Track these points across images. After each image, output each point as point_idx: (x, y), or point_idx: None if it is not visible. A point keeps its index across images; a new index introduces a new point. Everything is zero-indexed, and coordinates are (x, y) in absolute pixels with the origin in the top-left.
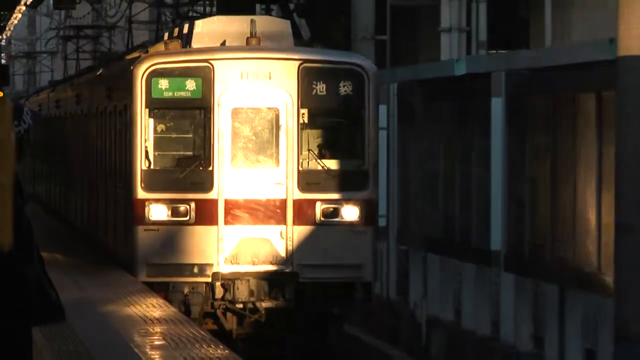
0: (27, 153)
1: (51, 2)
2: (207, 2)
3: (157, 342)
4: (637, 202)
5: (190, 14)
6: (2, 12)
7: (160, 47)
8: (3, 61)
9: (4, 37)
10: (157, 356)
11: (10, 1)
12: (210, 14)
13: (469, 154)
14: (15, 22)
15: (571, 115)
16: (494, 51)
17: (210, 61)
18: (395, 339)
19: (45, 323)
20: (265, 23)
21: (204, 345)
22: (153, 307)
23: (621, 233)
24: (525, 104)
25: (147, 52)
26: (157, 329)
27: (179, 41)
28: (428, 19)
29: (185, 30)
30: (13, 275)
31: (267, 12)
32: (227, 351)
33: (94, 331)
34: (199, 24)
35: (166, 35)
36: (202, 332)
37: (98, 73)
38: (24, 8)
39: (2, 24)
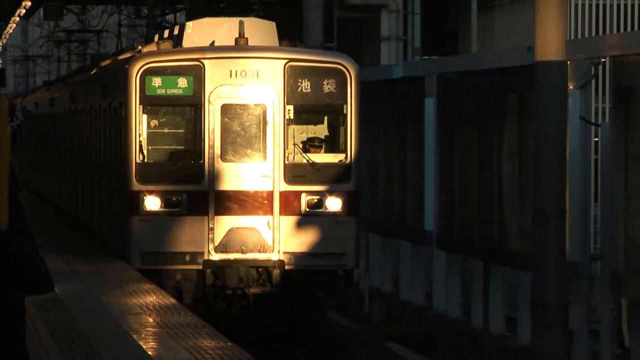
0: (19, 145)
1: (42, 13)
2: (177, 14)
3: (151, 329)
4: (551, 191)
5: (163, 24)
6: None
7: (153, 47)
8: (0, 65)
9: (1, 44)
10: (151, 341)
11: (6, 12)
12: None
13: (406, 147)
14: (10, 31)
15: (495, 113)
16: (427, 57)
17: (201, 60)
18: (344, 309)
19: (36, 293)
20: (252, 24)
21: (196, 331)
22: (147, 294)
23: (537, 217)
24: (454, 103)
25: (139, 52)
26: (151, 315)
27: (170, 41)
28: (370, 29)
29: (176, 31)
30: (9, 252)
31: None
32: (218, 337)
33: (92, 319)
34: (190, 25)
35: (156, 37)
36: (194, 318)
37: (92, 72)
38: (17, 19)
39: None
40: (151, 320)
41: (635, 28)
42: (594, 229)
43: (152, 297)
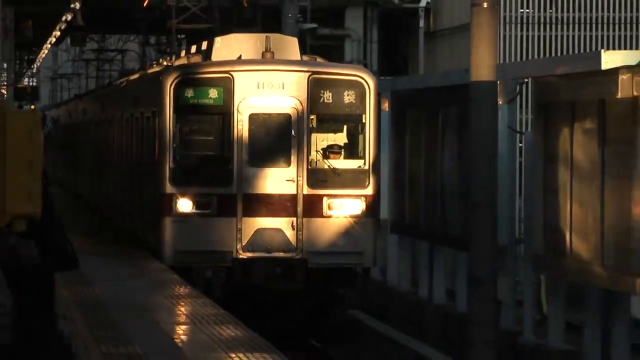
0: (50, 147)
1: (69, 41)
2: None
3: (181, 320)
4: (484, 186)
5: (168, 50)
6: (34, 49)
7: (183, 60)
8: (35, 83)
9: (35, 66)
10: (182, 333)
11: (39, 40)
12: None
13: None
14: (43, 56)
15: (438, 122)
16: (383, 77)
17: (231, 72)
18: None
19: (63, 270)
20: (277, 39)
21: (225, 324)
22: (179, 289)
23: (473, 208)
24: (405, 115)
25: (170, 65)
26: (183, 309)
27: (200, 55)
28: (336, 55)
29: (204, 46)
30: (42, 236)
31: None
32: (243, 328)
33: (127, 314)
34: (218, 41)
35: (183, 52)
36: (223, 312)
37: (121, 85)
38: (49, 45)
39: (33, 57)
40: (177, 309)
41: (553, 54)
42: (518, 218)
43: (181, 290)
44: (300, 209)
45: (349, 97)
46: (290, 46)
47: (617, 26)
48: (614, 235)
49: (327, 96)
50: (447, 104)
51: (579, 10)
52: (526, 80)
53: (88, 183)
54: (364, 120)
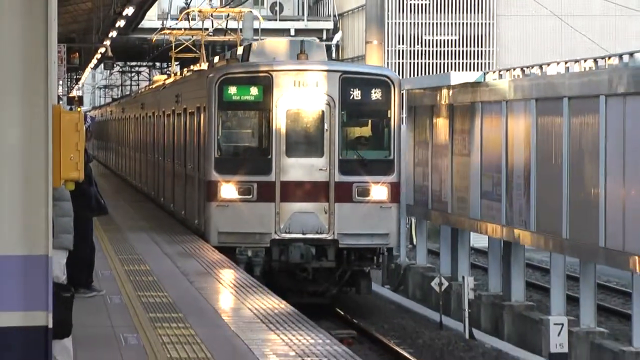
0: (90, 137)
1: (102, 66)
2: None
3: (225, 292)
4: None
5: (167, 72)
6: (79, 71)
7: (222, 63)
8: (80, 94)
9: (81, 83)
10: (225, 303)
11: (83, 66)
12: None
13: None
14: (85, 75)
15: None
16: None
17: (270, 72)
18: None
19: (97, 215)
20: (308, 44)
21: (264, 297)
22: (223, 267)
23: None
24: None
25: (213, 66)
26: (226, 282)
27: (237, 59)
28: None
29: (240, 51)
30: (84, 191)
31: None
32: (284, 304)
33: (176, 285)
34: (255, 45)
35: (216, 58)
36: (263, 287)
37: (162, 87)
38: (89, 69)
39: (79, 77)
40: (221, 283)
41: (420, 75)
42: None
43: (224, 268)
44: (332, 195)
45: (375, 94)
46: (320, 49)
47: (465, 56)
48: (456, 191)
49: (357, 94)
50: None
51: (437, 46)
52: (403, 91)
53: (128, 165)
54: (389, 115)
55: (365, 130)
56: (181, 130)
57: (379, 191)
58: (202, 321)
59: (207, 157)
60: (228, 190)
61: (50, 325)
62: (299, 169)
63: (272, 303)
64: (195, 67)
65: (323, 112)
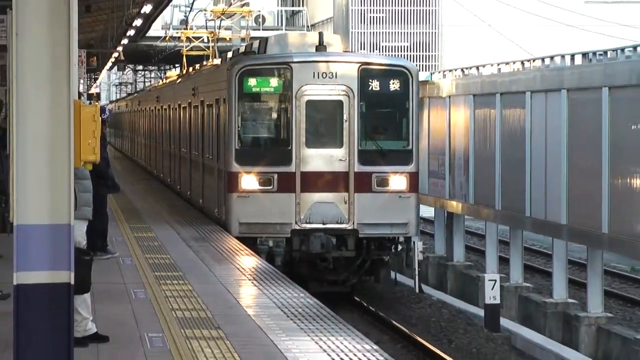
0: (107, 127)
1: (116, 67)
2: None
3: (245, 281)
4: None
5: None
6: (97, 72)
7: (240, 56)
8: (98, 91)
9: (98, 82)
10: (245, 292)
11: (100, 67)
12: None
13: None
14: (102, 75)
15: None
16: None
17: (290, 63)
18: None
19: (111, 192)
20: (326, 36)
21: (284, 286)
22: (244, 256)
23: None
24: None
25: (231, 58)
26: (247, 272)
27: (254, 52)
28: None
29: (256, 45)
30: (100, 171)
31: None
32: (300, 290)
33: (200, 278)
34: (272, 37)
35: (230, 53)
36: (283, 276)
37: (178, 81)
38: (105, 70)
39: (97, 77)
40: (241, 272)
41: None
42: None
43: (245, 257)
44: (351, 185)
45: (394, 85)
46: (336, 42)
47: (416, 60)
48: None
49: (375, 84)
50: None
51: (393, 51)
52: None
53: (146, 154)
54: (407, 106)
55: (384, 121)
56: (198, 121)
57: (397, 181)
58: (199, 278)
59: (228, 148)
60: (249, 181)
61: (72, 282)
62: (319, 159)
63: (291, 293)
64: (208, 64)
65: (342, 102)
